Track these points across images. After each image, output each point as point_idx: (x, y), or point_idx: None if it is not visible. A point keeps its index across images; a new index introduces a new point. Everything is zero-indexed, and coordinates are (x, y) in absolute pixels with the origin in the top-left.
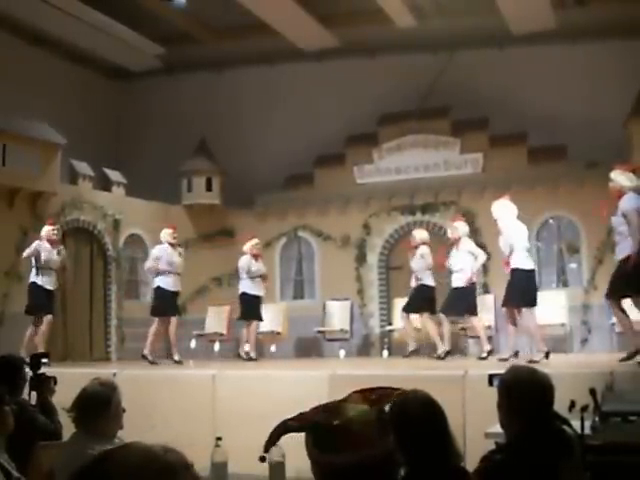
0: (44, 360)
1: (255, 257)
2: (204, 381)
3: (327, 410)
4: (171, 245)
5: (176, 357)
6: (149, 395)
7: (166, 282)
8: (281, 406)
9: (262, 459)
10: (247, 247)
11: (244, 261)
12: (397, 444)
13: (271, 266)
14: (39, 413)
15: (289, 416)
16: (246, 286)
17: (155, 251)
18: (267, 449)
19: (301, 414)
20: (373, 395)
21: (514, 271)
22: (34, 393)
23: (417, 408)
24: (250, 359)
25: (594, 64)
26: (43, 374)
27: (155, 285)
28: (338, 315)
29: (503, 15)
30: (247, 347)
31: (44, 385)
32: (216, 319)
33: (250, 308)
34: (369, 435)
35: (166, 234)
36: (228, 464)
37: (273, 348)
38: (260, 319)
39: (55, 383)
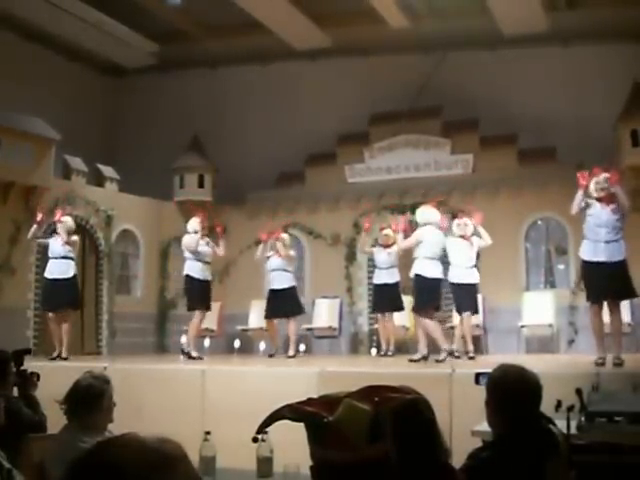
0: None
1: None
2: (194, 376)
3: (327, 403)
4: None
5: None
6: (139, 389)
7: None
8: (270, 402)
9: (254, 440)
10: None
11: None
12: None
13: (261, 263)
14: (23, 406)
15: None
16: None
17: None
18: (260, 431)
19: (306, 401)
20: (377, 397)
21: (416, 276)
22: (16, 388)
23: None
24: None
25: (584, 66)
26: (26, 370)
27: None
28: (327, 312)
29: (495, 17)
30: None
31: (27, 381)
32: (207, 315)
33: None
34: (356, 438)
35: (195, 222)
36: (217, 458)
37: (262, 345)
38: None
39: (38, 379)
